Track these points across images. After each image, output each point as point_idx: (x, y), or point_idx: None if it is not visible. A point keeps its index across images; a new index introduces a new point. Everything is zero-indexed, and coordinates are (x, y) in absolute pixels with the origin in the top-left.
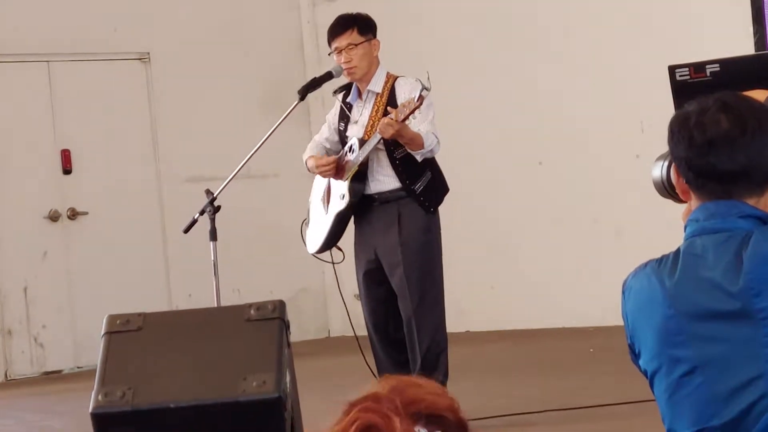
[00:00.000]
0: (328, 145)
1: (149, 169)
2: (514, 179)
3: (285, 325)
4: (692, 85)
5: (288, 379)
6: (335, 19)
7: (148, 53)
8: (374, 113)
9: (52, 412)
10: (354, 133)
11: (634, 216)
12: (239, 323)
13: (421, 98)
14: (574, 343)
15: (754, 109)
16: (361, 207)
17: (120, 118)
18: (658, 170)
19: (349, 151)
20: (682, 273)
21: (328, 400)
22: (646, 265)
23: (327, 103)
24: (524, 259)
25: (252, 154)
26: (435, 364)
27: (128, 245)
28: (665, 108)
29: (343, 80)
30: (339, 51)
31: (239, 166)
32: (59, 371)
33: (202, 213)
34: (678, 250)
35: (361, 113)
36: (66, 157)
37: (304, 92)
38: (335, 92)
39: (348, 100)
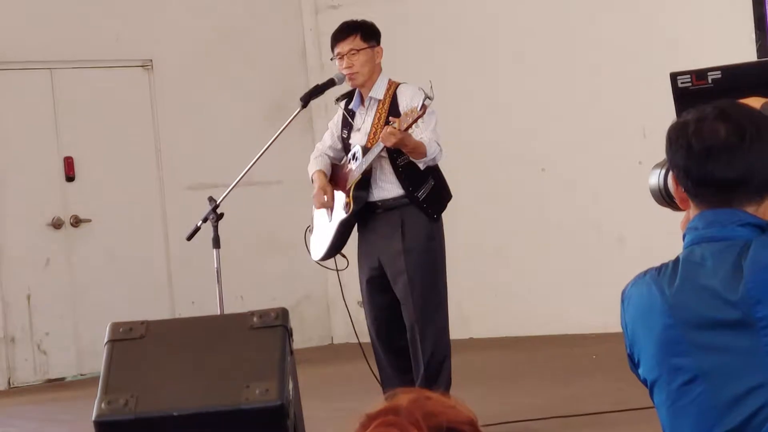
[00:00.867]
0: (332, 154)
1: (152, 177)
2: (517, 186)
3: (288, 333)
4: (694, 92)
5: (291, 386)
6: (339, 25)
7: (151, 61)
8: (376, 120)
9: (55, 420)
10: (357, 140)
11: (637, 223)
12: (242, 331)
13: (424, 107)
14: (577, 350)
15: (752, 116)
16: (365, 214)
17: (123, 125)
18: (656, 178)
19: (352, 159)
20: (682, 281)
21: (330, 407)
22: (645, 273)
23: (330, 110)
24: (527, 266)
25: (255, 162)
26: (438, 372)
27: (131, 253)
28: (667, 115)
29: (345, 87)
30: (341, 56)
31: (242, 174)
32: (62, 379)
33: (205, 220)
34: (677, 258)
35: (364, 120)
36: (69, 165)
37: (307, 99)
38: (337, 100)
39: (350, 107)
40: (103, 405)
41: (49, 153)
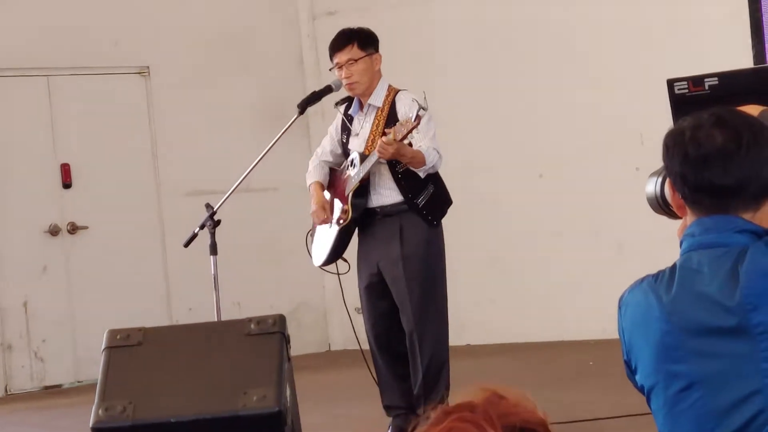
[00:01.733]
0: (332, 159)
1: (149, 183)
2: (515, 192)
3: (285, 340)
4: (691, 99)
5: (288, 393)
6: (336, 34)
7: (148, 67)
8: (375, 127)
9: (52, 427)
10: (355, 146)
11: (635, 229)
12: (240, 338)
13: (418, 118)
14: (575, 356)
15: (749, 123)
16: (364, 220)
17: (120, 132)
18: (652, 186)
19: (351, 166)
20: (679, 288)
21: (328, 413)
22: (642, 280)
23: (327, 116)
24: (525, 273)
25: (252, 168)
26: (437, 378)
27: (128, 259)
28: (665, 121)
29: (343, 93)
30: (340, 66)
31: (239, 180)
32: (59, 386)
33: (202, 227)
34: (674, 265)
35: (362, 126)
36: (66, 171)
37: (304, 106)
38: (337, 104)
39: (349, 112)
40: (100, 411)
41: (46, 160)
